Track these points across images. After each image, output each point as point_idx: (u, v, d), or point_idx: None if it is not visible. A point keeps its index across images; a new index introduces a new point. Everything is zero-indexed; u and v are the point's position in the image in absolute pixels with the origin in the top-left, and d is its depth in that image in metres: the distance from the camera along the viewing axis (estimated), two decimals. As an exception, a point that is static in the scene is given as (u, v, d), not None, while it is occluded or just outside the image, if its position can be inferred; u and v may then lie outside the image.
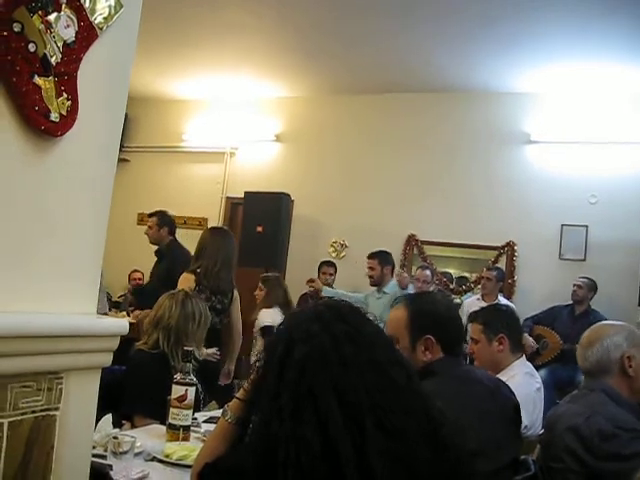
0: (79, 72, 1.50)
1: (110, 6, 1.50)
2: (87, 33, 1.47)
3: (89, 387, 1.59)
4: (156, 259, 5.89)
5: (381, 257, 6.15)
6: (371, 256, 6.20)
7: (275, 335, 1.54)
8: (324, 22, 6.07)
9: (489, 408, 2.18)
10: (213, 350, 4.45)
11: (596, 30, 5.49)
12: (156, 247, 5.92)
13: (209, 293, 4.48)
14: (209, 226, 8.47)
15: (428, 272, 6.53)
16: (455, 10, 5.52)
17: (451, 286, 7.30)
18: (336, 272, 7.02)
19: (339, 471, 1.30)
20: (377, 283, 6.15)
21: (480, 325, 3.16)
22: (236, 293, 4.77)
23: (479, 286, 6.78)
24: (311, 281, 6.27)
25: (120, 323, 1.63)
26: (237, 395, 1.72)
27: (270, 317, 5.53)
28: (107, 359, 1.62)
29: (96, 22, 1.48)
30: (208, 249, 4.54)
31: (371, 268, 6.15)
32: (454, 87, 7.30)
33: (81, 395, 1.56)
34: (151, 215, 5.96)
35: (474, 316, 3.30)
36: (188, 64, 7.54)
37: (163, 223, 5.86)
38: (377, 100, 7.76)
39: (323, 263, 7.13)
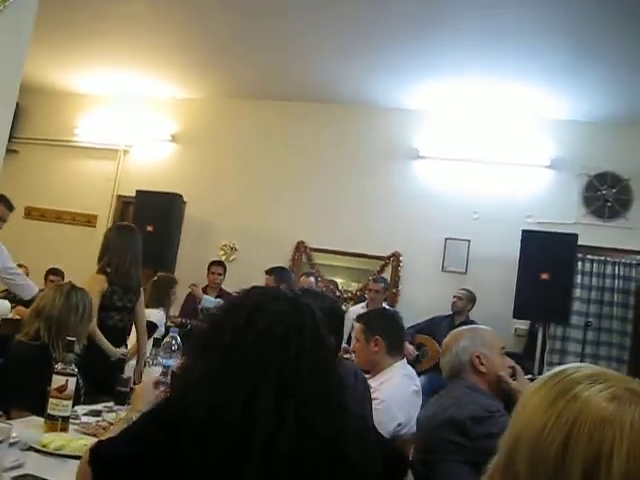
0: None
1: (7, -12, 1.51)
2: (-18, 12, 1.48)
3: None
4: None
5: (278, 273, 6.03)
6: (269, 272, 6.07)
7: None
8: (224, 23, 6.06)
9: None
10: (124, 350, 4.41)
11: (486, 51, 5.76)
12: None
13: (122, 293, 4.42)
14: (97, 224, 8.34)
15: (312, 279, 6.60)
16: (351, 24, 5.66)
17: (337, 294, 7.43)
18: (225, 272, 6.97)
19: (248, 444, 1.39)
20: None
21: (362, 325, 3.30)
22: (141, 290, 4.72)
23: (365, 294, 6.95)
24: (194, 285, 6.18)
25: (2, 304, 1.62)
26: None
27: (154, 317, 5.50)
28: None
29: (-8, 2, 1.48)
30: (116, 247, 4.42)
31: (267, 284, 6.04)
32: (348, 100, 7.47)
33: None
34: None
35: (359, 317, 3.44)
36: (86, 57, 7.35)
37: None
38: (274, 106, 7.84)
39: (212, 263, 7.06)
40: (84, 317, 3.30)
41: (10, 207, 5.10)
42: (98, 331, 4.20)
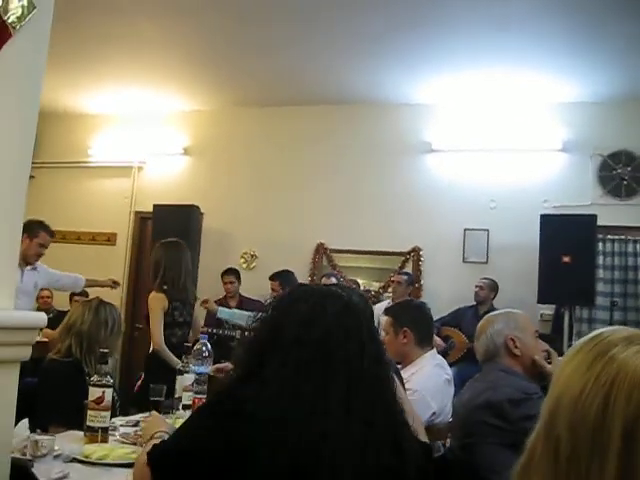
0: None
1: (23, 6, 1.55)
2: (0, 31, 1.51)
3: (9, 380, 1.61)
4: None
5: (282, 278, 6.05)
6: (272, 277, 6.09)
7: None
8: (229, 35, 6.11)
9: None
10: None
11: (491, 41, 5.77)
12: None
13: (182, 307, 4.46)
14: (117, 241, 8.42)
15: (333, 279, 6.62)
16: (357, 24, 5.67)
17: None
18: (239, 279, 6.93)
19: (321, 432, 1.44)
20: None
21: (390, 318, 3.32)
22: (196, 303, 4.78)
23: (388, 291, 6.97)
24: (205, 302, 6.20)
25: (38, 316, 1.66)
26: None
27: None
28: (26, 352, 1.65)
29: (9, 21, 1.52)
30: (168, 263, 4.46)
31: (273, 290, 6.02)
32: (357, 99, 7.49)
33: (1, 387, 1.58)
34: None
35: (387, 310, 3.47)
36: (94, 77, 7.43)
37: None
38: (283, 112, 7.88)
39: (224, 272, 6.99)
40: (114, 331, 3.34)
41: (51, 234, 5.22)
42: (164, 347, 4.25)
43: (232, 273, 6.99)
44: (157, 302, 4.37)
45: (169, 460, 1.54)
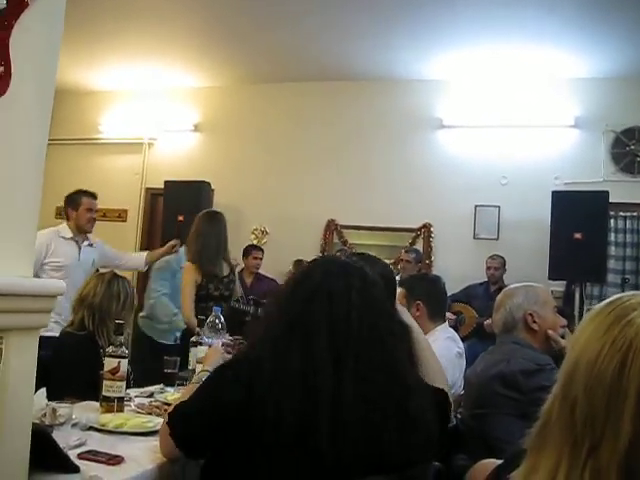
0: (11, 40, 1.54)
1: (38, -25, 1.55)
2: (17, 1, 1.52)
3: (28, 347, 1.63)
4: None
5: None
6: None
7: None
8: (241, 9, 6.08)
9: None
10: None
11: (502, 16, 5.71)
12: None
13: (216, 281, 4.43)
14: (128, 218, 8.44)
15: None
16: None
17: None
18: (263, 257, 7.03)
19: (313, 385, 1.50)
20: None
21: (404, 290, 3.33)
22: (235, 278, 4.73)
23: (397, 268, 6.97)
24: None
25: (57, 283, 1.68)
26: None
27: None
28: (45, 319, 1.67)
29: (25, -10, 1.52)
30: (204, 235, 4.44)
31: None
32: (368, 75, 7.46)
33: (21, 355, 1.60)
34: None
35: (401, 282, 3.48)
36: (104, 53, 7.42)
37: None
38: (294, 88, 7.86)
39: (252, 247, 7.10)
40: (126, 304, 3.35)
41: (93, 195, 5.19)
42: (193, 320, 4.11)
43: (260, 250, 7.09)
44: (189, 274, 4.34)
45: (190, 421, 1.66)
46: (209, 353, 2.57)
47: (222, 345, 2.65)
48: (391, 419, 1.55)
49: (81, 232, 4.98)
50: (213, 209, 4.77)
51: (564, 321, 2.59)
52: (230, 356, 2.39)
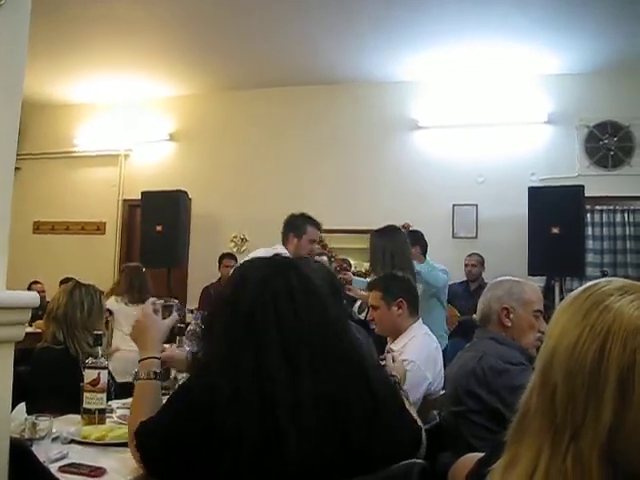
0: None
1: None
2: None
3: (5, 360, 1.61)
4: None
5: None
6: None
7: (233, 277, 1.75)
8: (213, 17, 6.07)
9: None
10: None
11: (472, 14, 5.76)
12: None
13: None
14: (107, 230, 8.40)
15: (325, 258, 6.63)
16: (339, 4, 5.67)
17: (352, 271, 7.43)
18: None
19: (270, 395, 1.46)
20: None
21: (379, 292, 3.32)
22: None
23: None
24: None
25: (31, 295, 1.66)
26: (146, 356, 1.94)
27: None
28: (20, 332, 1.64)
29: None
30: (379, 253, 4.49)
31: None
32: (342, 79, 7.48)
33: (-3, 368, 1.58)
34: None
35: (373, 284, 3.46)
36: (76, 66, 7.37)
37: None
38: (268, 94, 7.86)
39: (224, 256, 7.12)
40: (93, 312, 3.28)
41: (318, 226, 4.86)
42: None
43: (232, 257, 7.10)
44: None
45: (154, 443, 1.61)
46: (141, 331, 2.06)
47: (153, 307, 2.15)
48: (358, 412, 1.53)
49: None
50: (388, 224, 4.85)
51: (543, 327, 2.49)
52: (168, 322, 2.14)
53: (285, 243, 4.66)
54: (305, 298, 1.61)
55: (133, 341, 2.09)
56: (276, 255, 1.79)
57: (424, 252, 5.60)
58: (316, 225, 4.75)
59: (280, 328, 1.55)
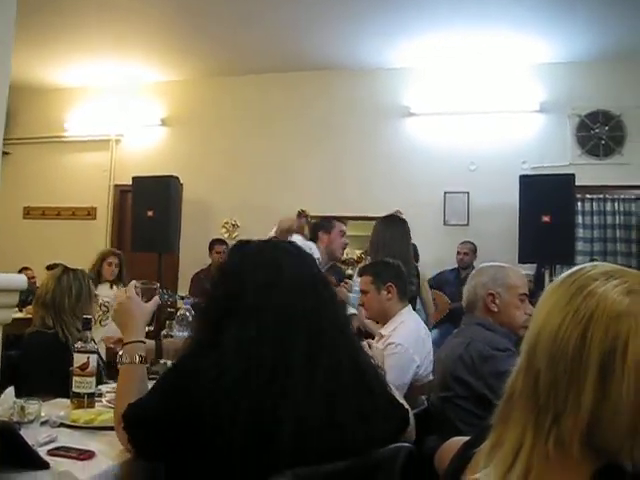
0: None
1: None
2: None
3: (-9, 343, 1.61)
4: None
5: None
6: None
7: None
8: (204, 2, 6.04)
9: None
10: None
11: (466, 2, 5.76)
12: None
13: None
14: (97, 215, 8.37)
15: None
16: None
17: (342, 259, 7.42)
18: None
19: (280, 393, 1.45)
20: None
21: (370, 277, 3.34)
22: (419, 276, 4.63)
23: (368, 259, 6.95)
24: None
25: (18, 277, 1.66)
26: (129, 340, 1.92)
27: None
28: (8, 315, 1.65)
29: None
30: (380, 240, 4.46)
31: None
32: (334, 65, 7.46)
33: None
34: None
35: (363, 270, 3.49)
36: (67, 50, 7.32)
37: None
38: (259, 80, 7.84)
39: (215, 242, 7.13)
40: (81, 297, 3.28)
41: (343, 221, 5.17)
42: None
43: (223, 243, 7.10)
44: None
45: (144, 425, 1.61)
46: (123, 315, 2.04)
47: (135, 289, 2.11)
48: (352, 399, 1.53)
49: (332, 256, 5.01)
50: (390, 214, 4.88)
51: (531, 310, 2.55)
52: (150, 306, 2.10)
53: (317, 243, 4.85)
54: (324, 288, 1.65)
55: (115, 324, 2.07)
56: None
57: None
58: (341, 220, 5.12)
59: (307, 321, 1.55)
